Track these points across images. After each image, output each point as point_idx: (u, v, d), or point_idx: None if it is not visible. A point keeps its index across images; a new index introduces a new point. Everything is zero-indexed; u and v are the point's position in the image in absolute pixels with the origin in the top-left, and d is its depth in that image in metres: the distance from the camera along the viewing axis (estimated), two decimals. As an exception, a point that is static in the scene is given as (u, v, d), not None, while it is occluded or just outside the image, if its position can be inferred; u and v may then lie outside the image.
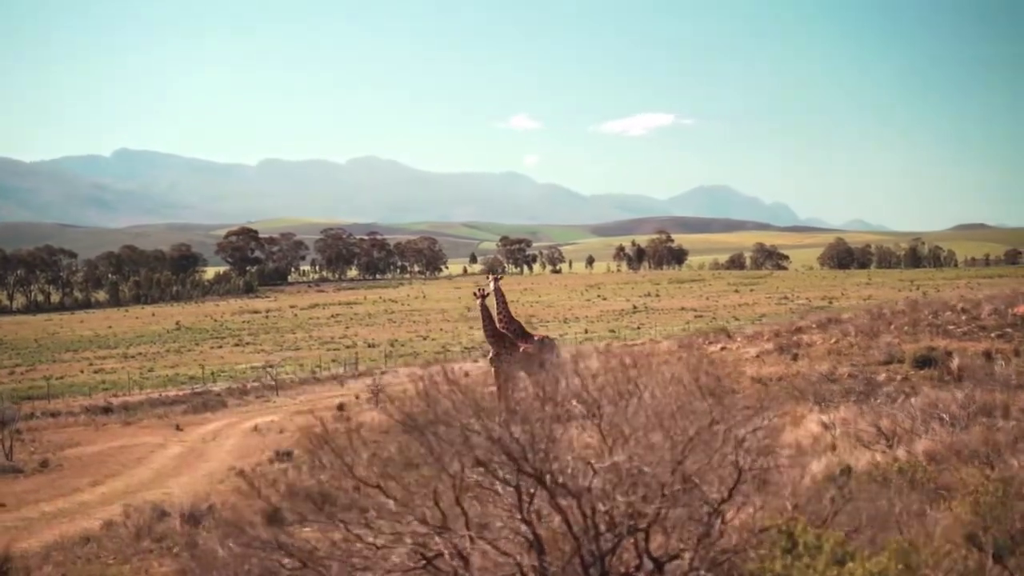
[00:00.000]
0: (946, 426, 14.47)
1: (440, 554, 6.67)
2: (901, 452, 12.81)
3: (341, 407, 39.67)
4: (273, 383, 63.35)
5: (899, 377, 23.99)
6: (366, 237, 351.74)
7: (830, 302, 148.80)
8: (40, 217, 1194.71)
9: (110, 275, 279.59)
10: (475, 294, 26.11)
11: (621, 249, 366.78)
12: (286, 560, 6.89)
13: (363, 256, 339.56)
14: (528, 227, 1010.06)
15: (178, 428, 37.37)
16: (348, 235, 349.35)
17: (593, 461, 6.51)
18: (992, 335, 30.17)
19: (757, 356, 33.36)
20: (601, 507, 6.26)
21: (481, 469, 6.70)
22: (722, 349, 41.60)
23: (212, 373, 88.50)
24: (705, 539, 6.26)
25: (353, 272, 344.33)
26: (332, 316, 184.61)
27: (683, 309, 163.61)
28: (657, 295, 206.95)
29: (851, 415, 17.67)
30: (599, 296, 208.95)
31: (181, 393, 63.94)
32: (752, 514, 6.53)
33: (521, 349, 25.01)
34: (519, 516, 6.52)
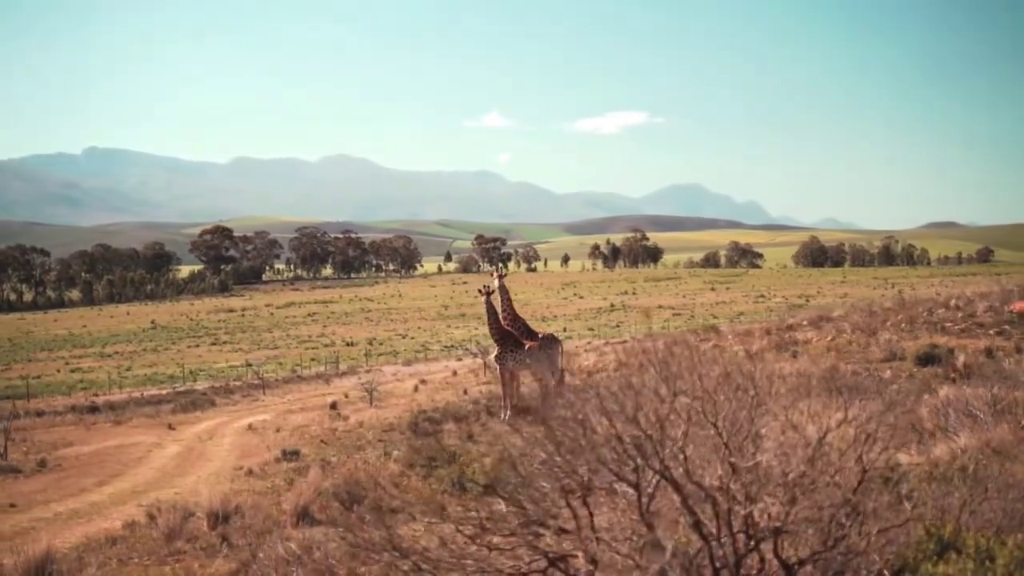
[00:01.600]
0: (979, 424, 14.31)
1: (564, 556, 6.45)
2: (941, 449, 12.65)
3: (334, 406, 39.35)
4: (259, 382, 62.95)
5: (904, 375, 23.87)
6: (341, 236, 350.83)
7: (807, 300, 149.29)
8: (8, 215, 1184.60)
9: (83, 274, 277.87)
10: (480, 291, 25.87)
11: (596, 247, 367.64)
12: (401, 562, 6.63)
13: (338, 255, 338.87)
14: (501, 225, 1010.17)
15: (171, 427, 36.98)
16: (323, 234, 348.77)
17: (734, 460, 6.29)
18: (990, 332, 30.14)
19: (754, 354, 33.24)
20: (740, 509, 6.07)
21: (600, 468, 6.48)
22: (714, 346, 41.54)
23: (191, 372, 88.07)
24: (841, 541, 6.08)
25: (328, 271, 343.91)
26: (309, 315, 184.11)
27: (661, 307, 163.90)
28: (634, 293, 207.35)
29: (870, 412, 17.47)
30: (576, 294, 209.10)
31: (164, 392, 63.53)
32: (871, 513, 6.35)
33: (527, 347, 24.81)
34: (638, 517, 6.31)
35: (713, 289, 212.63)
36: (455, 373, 55.74)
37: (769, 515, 6.04)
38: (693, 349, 7.28)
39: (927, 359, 25.40)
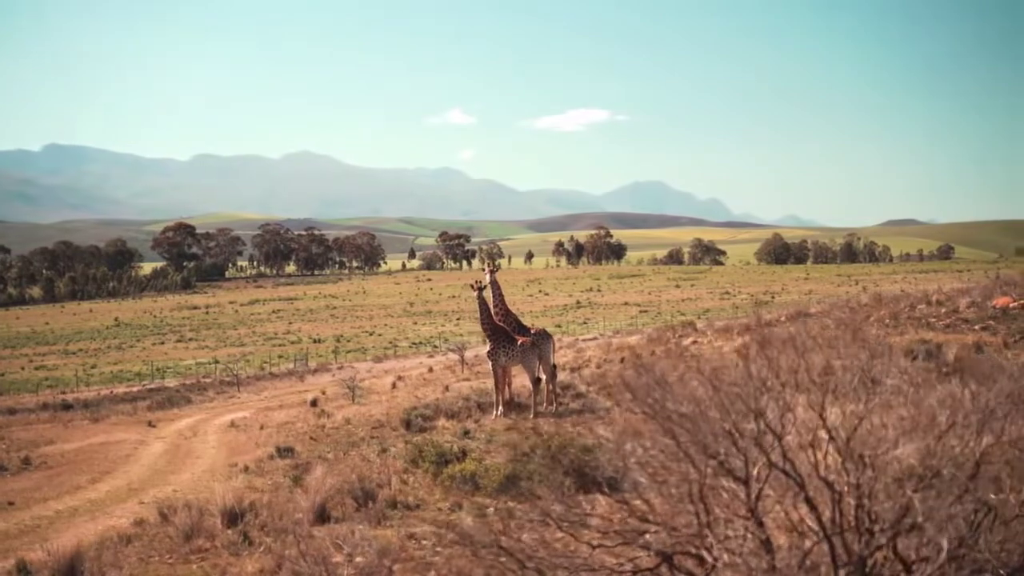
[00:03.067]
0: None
1: (677, 553, 6.25)
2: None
3: (315, 403, 39.05)
4: (233, 379, 62.49)
5: (895, 370, 23.79)
6: (304, 232, 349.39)
7: (772, 297, 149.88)
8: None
9: (45, 271, 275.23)
10: (472, 286, 25.67)
11: (560, 244, 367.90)
12: (510, 563, 6.42)
13: (301, 252, 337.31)
14: (463, 222, 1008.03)
15: (151, 424, 36.51)
16: (286, 231, 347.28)
17: (868, 453, 6.10)
18: (976, 327, 30.21)
19: (738, 349, 33.21)
20: (873, 505, 5.90)
21: (713, 463, 6.26)
22: (694, 343, 41.51)
23: (159, 370, 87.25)
24: (969, 538, 5.92)
25: (291, 268, 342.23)
26: (273, 312, 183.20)
27: (627, 304, 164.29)
28: (599, 290, 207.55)
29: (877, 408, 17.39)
30: (541, 291, 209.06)
31: (136, 389, 63.04)
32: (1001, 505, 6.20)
33: (519, 343, 24.66)
34: (747, 513, 6.11)
35: (678, 286, 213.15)
36: (431, 370, 55.45)
37: (890, 510, 5.88)
38: (793, 339, 7.05)
39: (917, 355, 25.36)
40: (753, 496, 6.03)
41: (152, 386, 65.92)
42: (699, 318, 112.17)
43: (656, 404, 6.41)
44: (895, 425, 6.36)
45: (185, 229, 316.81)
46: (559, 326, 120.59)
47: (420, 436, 21.99)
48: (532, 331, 25.85)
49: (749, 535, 5.93)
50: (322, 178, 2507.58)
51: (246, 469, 20.37)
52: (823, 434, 6.31)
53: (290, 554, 10.42)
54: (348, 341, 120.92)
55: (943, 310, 35.37)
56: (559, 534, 6.72)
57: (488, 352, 25.09)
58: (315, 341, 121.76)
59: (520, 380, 27.69)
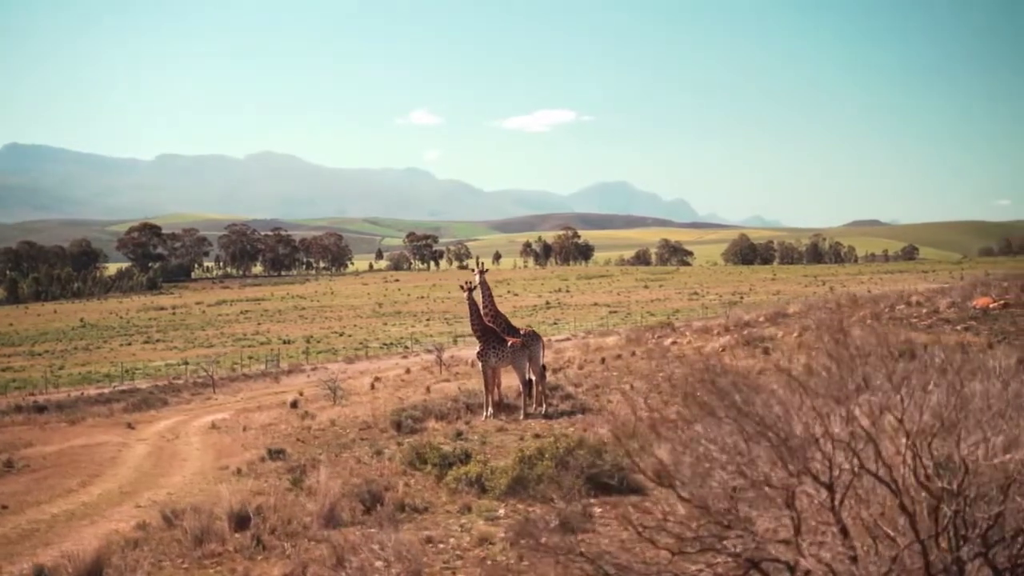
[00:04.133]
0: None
1: (763, 560, 6.09)
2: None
3: (295, 404, 38.81)
4: (208, 380, 62.06)
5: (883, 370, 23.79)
6: (270, 233, 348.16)
7: (741, 298, 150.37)
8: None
9: (8, 271, 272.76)
10: (462, 287, 25.53)
11: (528, 245, 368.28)
12: (585, 565, 6.29)
13: (268, 252, 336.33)
14: (430, 223, 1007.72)
15: (130, 426, 36.14)
16: (252, 231, 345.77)
17: (969, 459, 5.98)
18: (958, 328, 30.36)
19: (722, 350, 33.28)
20: (973, 512, 5.79)
21: (799, 467, 6.10)
22: (673, 343, 41.58)
23: (128, 371, 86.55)
24: None
25: (258, 268, 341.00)
26: (241, 313, 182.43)
27: (596, 304, 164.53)
28: (567, 291, 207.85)
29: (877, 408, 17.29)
30: (510, 292, 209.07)
31: (107, 391, 62.53)
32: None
33: (509, 343, 24.56)
34: (831, 518, 5.97)
35: (646, 287, 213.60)
36: (408, 371, 55.20)
37: (985, 518, 5.79)
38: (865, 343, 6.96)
39: (902, 355, 25.36)
40: (837, 501, 5.91)
41: (123, 388, 65.35)
42: (669, 318, 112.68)
43: (740, 406, 6.28)
44: (994, 430, 6.26)
45: (150, 229, 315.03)
46: (530, 326, 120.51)
47: (412, 438, 21.87)
48: (522, 332, 25.75)
49: (839, 543, 5.80)
50: (287, 178, 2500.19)
51: (238, 472, 20.12)
52: (906, 439, 6.19)
53: (321, 557, 10.30)
54: (318, 342, 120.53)
55: (924, 310, 35.61)
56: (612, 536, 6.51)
57: (478, 353, 24.94)
58: (285, 342, 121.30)
59: (507, 381, 27.53)
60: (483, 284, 25.98)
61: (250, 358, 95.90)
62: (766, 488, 6.07)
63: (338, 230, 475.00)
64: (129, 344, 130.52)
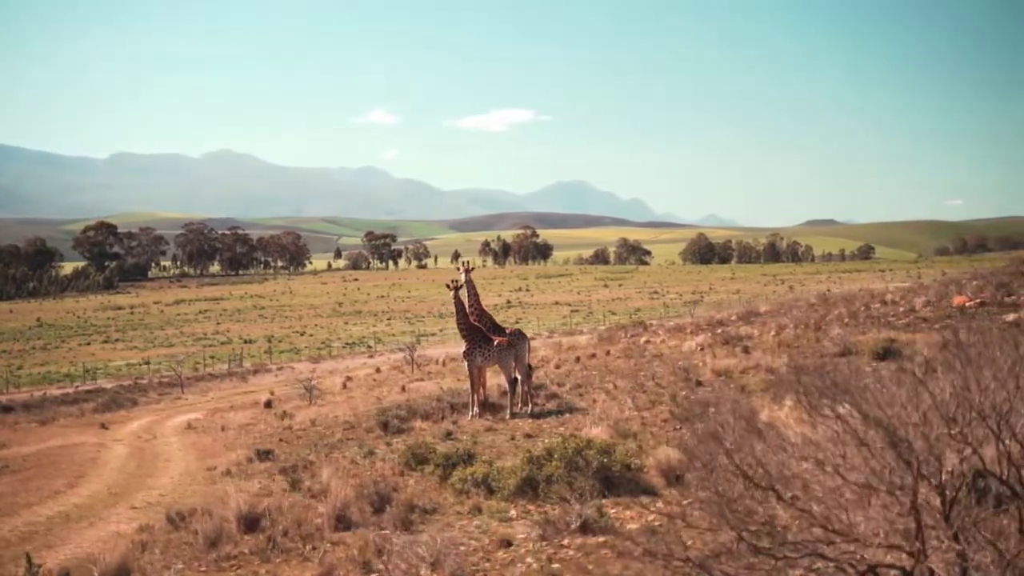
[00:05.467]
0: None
1: (879, 566, 5.86)
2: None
3: (269, 404, 38.51)
4: (177, 380, 61.50)
5: (869, 369, 23.82)
6: (228, 232, 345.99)
7: (701, 297, 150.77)
8: None
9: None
10: (448, 286, 25.40)
11: (487, 244, 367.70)
12: (690, 570, 6.08)
13: (225, 251, 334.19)
14: (387, 222, 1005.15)
15: (103, 427, 35.67)
16: (210, 230, 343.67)
17: None
18: (936, 326, 30.44)
19: (700, 349, 33.29)
20: None
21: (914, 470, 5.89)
22: (647, 342, 41.55)
23: (89, 371, 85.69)
24: None
25: (215, 267, 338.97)
26: (200, 312, 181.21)
27: (557, 303, 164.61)
28: (528, 290, 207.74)
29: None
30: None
31: (70, 391, 62.01)
32: None
33: (496, 343, 24.44)
34: (944, 524, 5.77)
35: (606, 286, 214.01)
36: (378, 370, 54.93)
37: None
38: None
39: (884, 354, 25.42)
40: (947, 506, 5.75)
41: (87, 387, 64.82)
42: (631, 317, 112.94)
43: (855, 405, 6.12)
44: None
45: (107, 229, 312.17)
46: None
47: (400, 438, 21.71)
48: (508, 331, 25.65)
49: (952, 548, 5.61)
50: (244, 177, 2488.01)
51: (228, 472, 19.89)
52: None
53: (344, 560, 10.13)
54: (280, 341, 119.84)
55: (900, 309, 35.74)
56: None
57: (464, 352, 24.80)
58: (246, 342, 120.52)
59: (492, 380, 27.41)
60: (469, 283, 25.89)
61: (212, 358, 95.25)
62: (882, 492, 5.86)
63: (295, 229, 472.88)
64: (88, 344, 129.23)
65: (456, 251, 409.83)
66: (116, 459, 24.60)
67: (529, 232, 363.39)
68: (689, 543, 10.13)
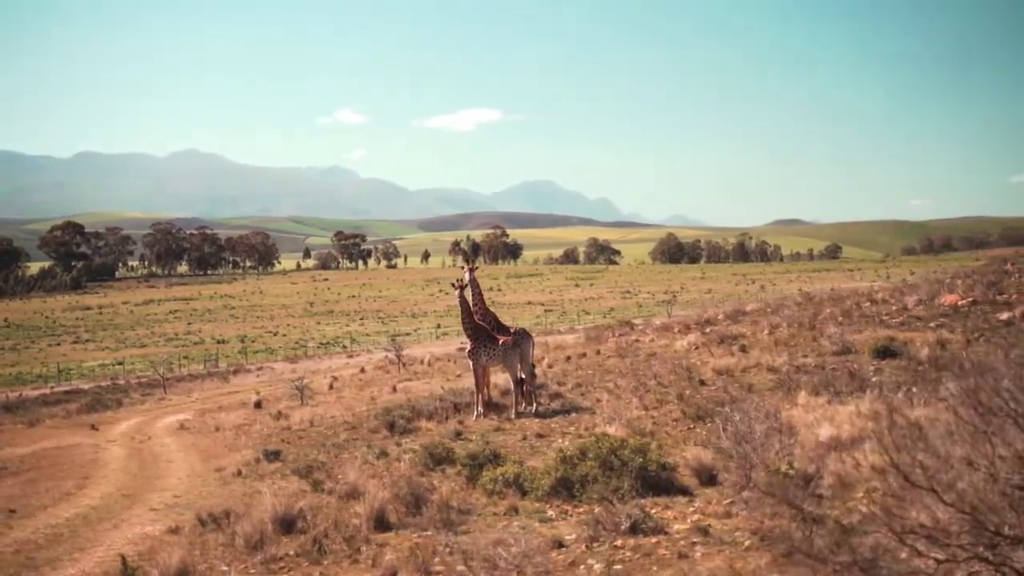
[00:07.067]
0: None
1: None
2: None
3: (259, 404, 38.24)
4: (160, 381, 61.04)
5: (871, 368, 23.81)
6: (196, 232, 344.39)
7: (674, 296, 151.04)
8: None
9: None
10: (454, 285, 25.32)
11: (457, 244, 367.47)
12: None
13: (194, 251, 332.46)
14: (353, 222, 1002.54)
15: (93, 428, 35.33)
16: (178, 230, 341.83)
17: None
18: (931, 325, 30.47)
19: (696, 348, 33.25)
20: None
21: None
22: (636, 341, 41.49)
23: (63, 371, 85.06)
24: None
25: (183, 267, 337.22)
26: (170, 312, 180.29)
27: (530, 303, 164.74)
28: (499, 289, 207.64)
29: (882, 408, 17.11)
30: (440, 291, 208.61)
31: (46, 391, 61.58)
32: None
33: (501, 342, 24.34)
34: None
35: (577, 285, 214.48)
36: (363, 370, 54.71)
37: None
38: None
39: (885, 352, 25.35)
40: None
41: (64, 388, 64.27)
42: (605, 316, 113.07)
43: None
44: None
45: (74, 228, 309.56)
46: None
47: (408, 438, 21.58)
48: (512, 330, 25.56)
49: None
50: (209, 176, 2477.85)
51: (239, 473, 19.67)
52: None
53: (388, 562, 9.96)
54: (253, 341, 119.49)
55: (893, 307, 35.84)
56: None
57: (469, 352, 24.70)
58: (219, 342, 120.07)
59: (494, 379, 27.27)
60: (473, 282, 25.82)
61: (186, 358, 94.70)
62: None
63: (262, 229, 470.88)
64: (58, 344, 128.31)
65: (426, 251, 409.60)
66: (116, 460, 24.33)
67: (499, 232, 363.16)
68: (747, 543, 10.09)
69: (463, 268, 26.43)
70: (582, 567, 9.93)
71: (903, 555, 5.85)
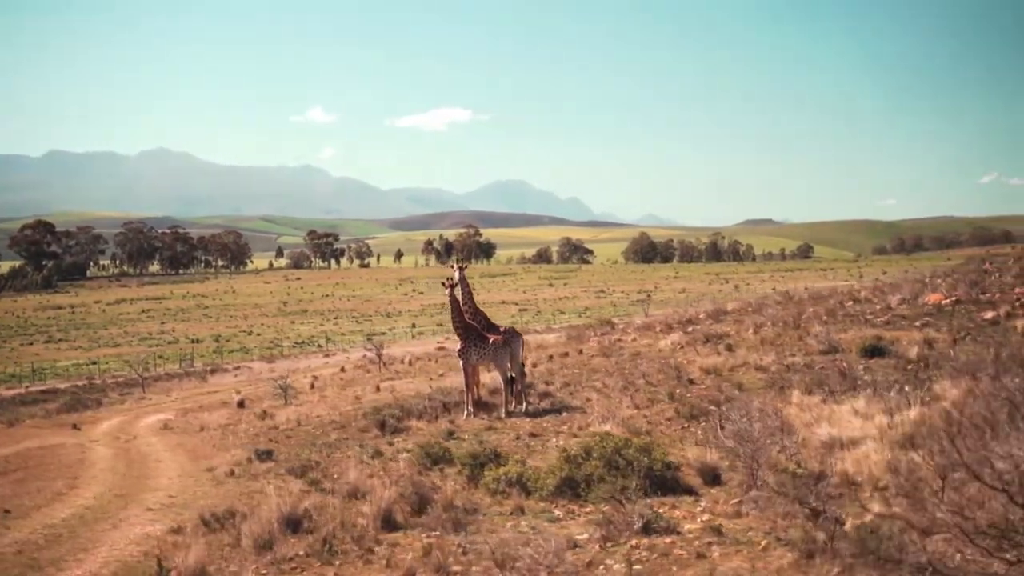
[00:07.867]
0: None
1: None
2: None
3: (242, 404, 37.99)
4: (138, 380, 60.66)
5: (861, 367, 23.83)
6: (168, 231, 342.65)
7: (648, 296, 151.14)
8: None
9: None
10: (444, 284, 25.17)
11: (430, 243, 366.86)
12: None
13: (166, 250, 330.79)
14: (325, 221, 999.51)
15: (75, 427, 35.04)
16: (150, 229, 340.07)
17: None
18: (916, 324, 30.62)
19: (681, 347, 33.26)
20: None
21: None
22: (618, 341, 41.46)
23: (37, 371, 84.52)
24: None
25: (155, 267, 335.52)
26: (143, 311, 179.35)
27: (504, 303, 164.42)
28: (474, 289, 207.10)
29: (879, 408, 17.10)
30: (414, 290, 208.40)
31: (22, 391, 61.26)
32: None
33: (491, 341, 24.26)
34: None
35: (551, 285, 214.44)
36: (343, 369, 54.47)
37: None
38: None
39: (873, 351, 25.38)
40: None
41: (39, 388, 63.89)
42: (580, 316, 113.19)
43: None
44: None
45: (44, 227, 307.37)
46: (441, 324, 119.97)
47: (399, 438, 21.49)
48: (502, 329, 25.49)
49: None
50: (180, 176, 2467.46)
51: (232, 473, 19.51)
52: None
53: (407, 564, 9.88)
54: (228, 340, 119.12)
55: (877, 307, 36.00)
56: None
57: (459, 351, 24.59)
58: (194, 341, 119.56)
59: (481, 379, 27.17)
60: (463, 281, 25.75)
61: (160, 358, 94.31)
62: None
63: (233, 228, 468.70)
64: (31, 344, 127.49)
65: (399, 250, 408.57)
66: (103, 460, 24.09)
67: (472, 231, 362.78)
68: (763, 543, 10.05)
69: (452, 267, 26.34)
70: (601, 567, 9.87)
71: (958, 558, 5.75)
